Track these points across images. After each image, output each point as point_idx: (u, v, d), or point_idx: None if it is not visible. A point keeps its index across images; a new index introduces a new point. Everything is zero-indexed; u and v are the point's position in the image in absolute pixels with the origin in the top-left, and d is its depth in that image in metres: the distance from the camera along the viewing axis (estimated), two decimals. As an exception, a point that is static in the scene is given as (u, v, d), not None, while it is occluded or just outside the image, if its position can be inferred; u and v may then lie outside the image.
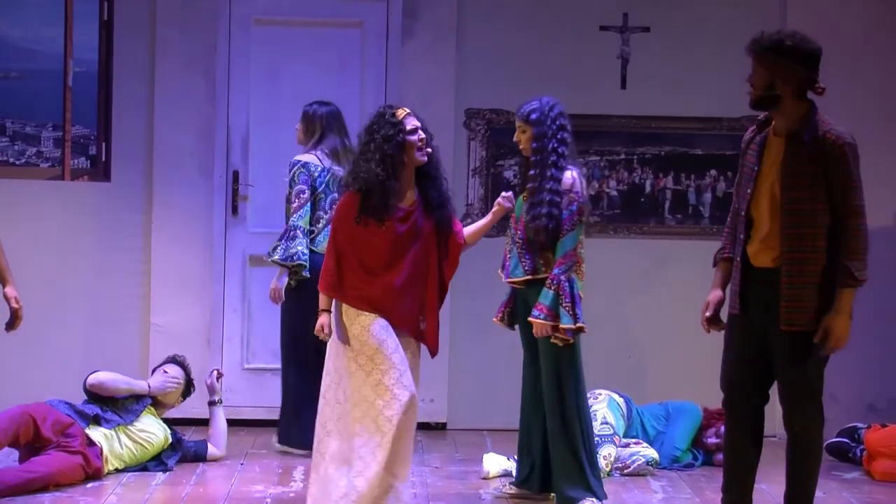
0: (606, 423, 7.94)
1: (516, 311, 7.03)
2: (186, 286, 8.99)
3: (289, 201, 8.03)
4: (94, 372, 7.69)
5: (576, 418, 6.87)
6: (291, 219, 7.97)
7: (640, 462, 7.84)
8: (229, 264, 9.02)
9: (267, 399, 8.95)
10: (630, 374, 8.91)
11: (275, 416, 8.50)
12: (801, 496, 6.02)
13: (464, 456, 8.26)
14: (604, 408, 8.02)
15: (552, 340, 6.78)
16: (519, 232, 6.88)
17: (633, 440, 8.04)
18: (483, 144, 9.09)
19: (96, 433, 7.44)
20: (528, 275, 6.85)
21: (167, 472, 7.58)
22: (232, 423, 8.87)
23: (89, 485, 7.25)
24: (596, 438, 7.84)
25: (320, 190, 8.07)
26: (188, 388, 8.02)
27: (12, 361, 8.72)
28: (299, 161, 8.08)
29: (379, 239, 6.33)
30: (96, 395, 7.61)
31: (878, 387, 9.07)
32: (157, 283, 8.93)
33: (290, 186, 8.03)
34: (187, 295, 8.97)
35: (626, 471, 7.81)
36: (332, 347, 6.43)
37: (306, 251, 7.93)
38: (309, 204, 8.00)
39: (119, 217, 8.95)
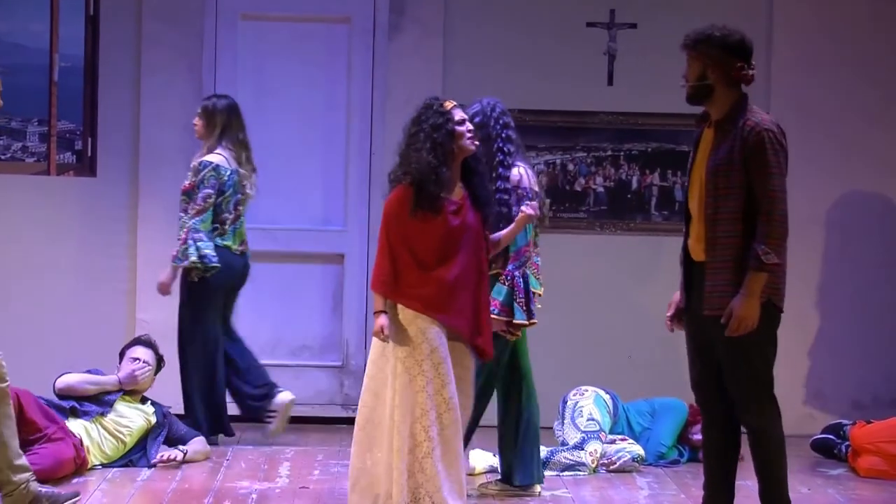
0: (592, 420, 7.94)
1: None
2: (174, 282, 8.97)
3: (188, 197, 8.05)
4: (62, 375, 7.67)
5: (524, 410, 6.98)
6: (192, 221, 8.01)
7: (625, 458, 7.84)
8: (215, 260, 8.99)
9: (253, 395, 8.96)
10: (616, 371, 8.90)
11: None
12: (772, 489, 6.02)
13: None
14: (590, 404, 8.02)
15: (504, 335, 6.79)
16: None
17: (619, 436, 8.05)
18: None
19: (76, 425, 7.43)
20: None
21: (152, 468, 7.56)
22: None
23: (74, 480, 7.23)
24: (582, 435, 7.86)
25: (228, 193, 8.10)
26: (159, 366, 7.95)
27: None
28: (210, 163, 8.08)
29: (433, 232, 6.27)
30: (67, 397, 7.59)
31: (862, 383, 9.09)
32: (143, 279, 8.91)
33: (198, 187, 8.04)
34: (173, 291, 8.95)
35: (611, 467, 7.81)
36: (377, 350, 6.36)
37: (215, 253, 8.03)
38: (212, 209, 8.06)
39: (105, 212, 8.93)
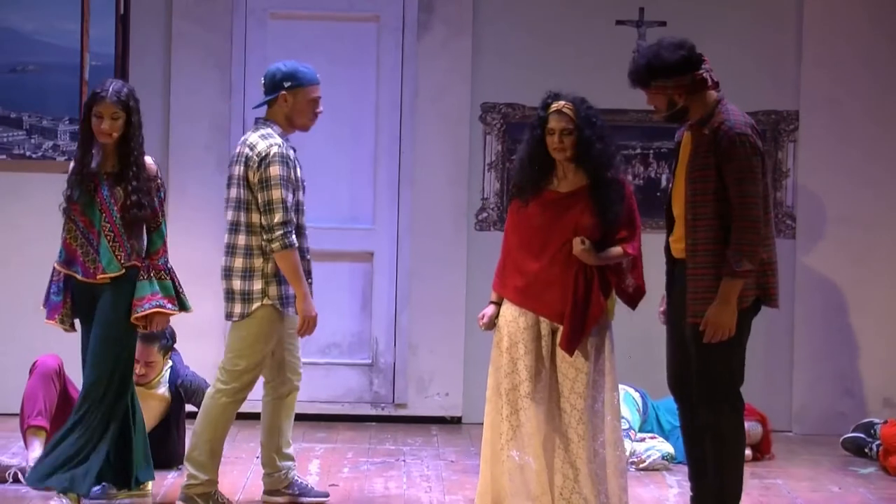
0: (622, 418, 7.92)
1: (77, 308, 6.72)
2: (201, 279, 8.98)
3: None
4: None
5: None
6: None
7: (655, 457, 7.83)
8: (245, 258, 9.02)
9: (282, 393, 8.97)
10: (646, 369, 8.89)
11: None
12: (720, 484, 6.04)
13: (479, 450, 8.24)
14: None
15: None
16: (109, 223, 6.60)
17: (649, 434, 8.04)
18: (499, 138, 9.08)
19: None
20: (124, 267, 6.60)
21: (181, 467, 7.57)
22: (246, 416, 8.87)
23: (104, 478, 7.25)
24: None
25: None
26: (168, 350, 7.67)
27: (25, 354, 8.72)
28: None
29: (525, 223, 6.35)
30: None
31: (893, 381, 9.05)
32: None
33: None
34: (202, 288, 8.96)
35: (641, 465, 7.81)
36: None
37: None
38: None
39: (135, 210, 8.96)
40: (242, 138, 6.75)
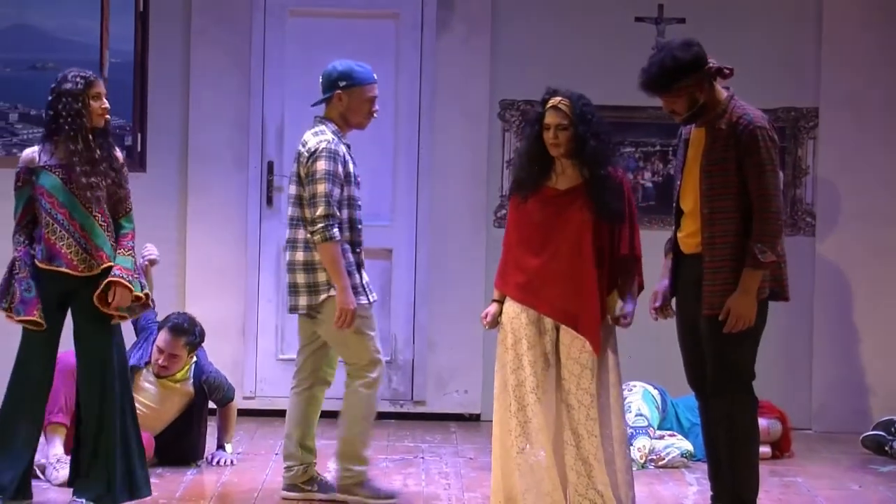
0: (641, 415, 7.93)
1: None
2: (221, 276, 9.02)
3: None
4: None
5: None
6: None
7: (674, 454, 7.83)
8: (264, 255, 9.04)
9: (301, 390, 8.98)
10: (669, 366, 8.87)
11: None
12: (738, 475, 6.06)
13: (498, 447, 8.25)
14: (638, 399, 8.01)
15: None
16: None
17: (668, 432, 8.03)
18: (517, 136, 9.08)
19: None
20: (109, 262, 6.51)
21: (199, 465, 7.58)
22: (266, 413, 8.91)
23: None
24: (630, 430, 7.84)
25: None
26: (196, 344, 7.58)
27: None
28: None
29: (526, 219, 6.35)
30: None
31: (914, 380, 9.04)
32: (192, 274, 8.96)
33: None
34: (222, 285, 9.00)
35: (660, 463, 7.80)
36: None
37: None
38: None
39: (154, 207, 8.96)
40: (312, 142, 6.82)
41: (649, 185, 9.10)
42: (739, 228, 5.94)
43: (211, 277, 9.00)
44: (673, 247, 6.23)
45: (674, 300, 6.28)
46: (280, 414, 8.86)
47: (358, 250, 6.81)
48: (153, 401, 7.47)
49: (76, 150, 6.45)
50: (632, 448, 7.74)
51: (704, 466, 7.80)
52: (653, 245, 9.06)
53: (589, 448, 6.24)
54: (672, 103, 6.02)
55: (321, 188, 6.62)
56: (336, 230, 6.64)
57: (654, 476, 7.59)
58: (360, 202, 6.84)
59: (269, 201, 9.03)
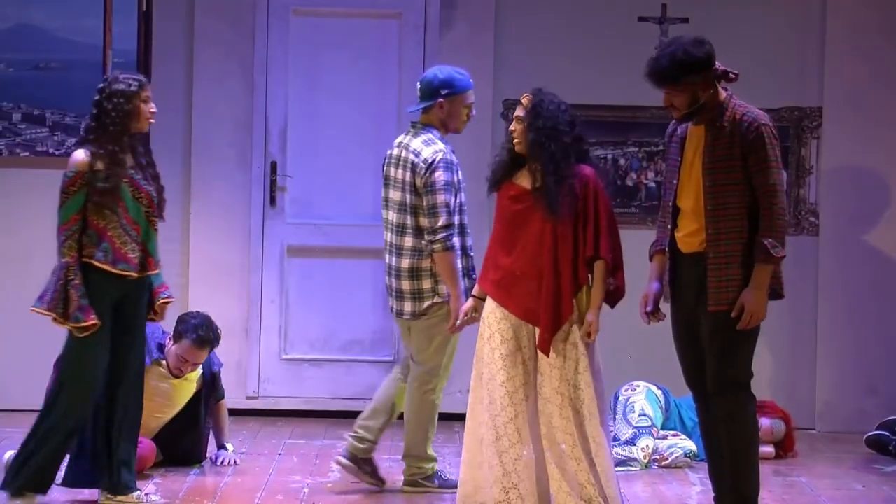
0: (644, 415, 7.92)
1: None
2: (224, 277, 9.02)
3: None
4: None
5: None
6: None
7: (678, 454, 7.82)
8: (267, 255, 9.03)
9: (304, 390, 8.99)
10: (665, 367, 8.87)
11: (313, 406, 8.51)
12: (741, 474, 6.05)
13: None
14: (641, 399, 8.01)
15: None
16: None
17: (672, 432, 8.02)
18: (521, 135, 9.06)
19: None
20: None
21: (203, 465, 7.58)
22: (269, 413, 8.91)
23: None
24: (633, 430, 7.84)
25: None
26: (218, 343, 7.56)
27: (50, 353, 8.75)
28: None
29: (499, 216, 6.41)
30: None
31: (918, 380, 9.03)
32: (195, 274, 8.96)
33: None
34: (225, 285, 9.00)
35: (664, 463, 7.79)
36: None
37: None
38: None
39: (157, 207, 8.97)
40: (400, 142, 7.02)
41: (652, 184, 9.09)
42: (744, 225, 5.96)
43: (214, 277, 8.99)
44: (669, 247, 6.20)
45: (668, 301, 6.27)
46: (284, 414, 8.89)
47: (471, 254, 7.02)
48: (163, 395, 7.46)
49: (125, 152, 6.46)
50: (635, 448, 7.76)
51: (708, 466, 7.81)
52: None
53: (564, 446, 6.22)
54: (674, 98, 6.03)
55: (441, 199, 6.86)
56: (455, 239, 6.90)
57: (657, 476, 7.58)
58: (465, 207, 7.06)
59: (273, 201, 9.03)
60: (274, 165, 9.04)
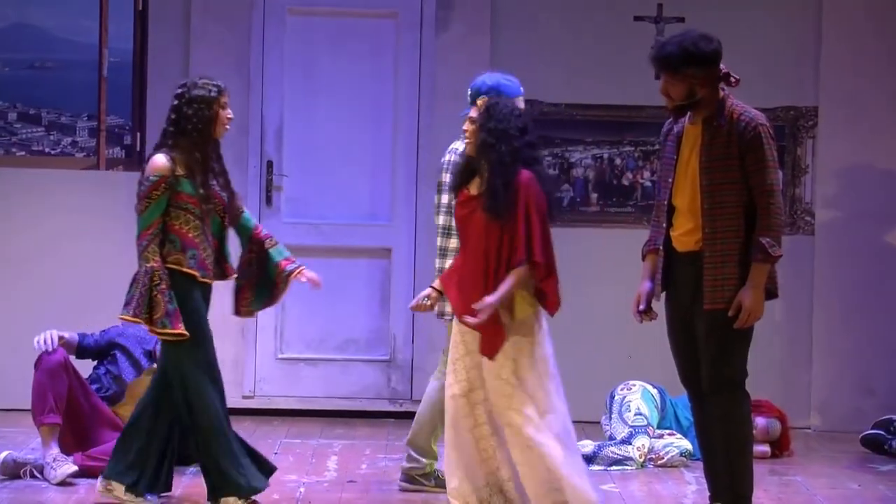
0: (640, 414, 7.93)
1: None
2: (220, 276, 9.01)
3: None
4: None
5: None
6: None
7: (673, 453, 7.83)
8: (263, 254, 9.02)
9: (300, 389, 8.99)
10: (661, 366, 8.87)
11: (309, 405, 8.50)
12: (735, 472, 6.06)
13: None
14: (637, 398, 8.01)
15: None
16: None
17: (667, 431, 8.03)
18: (517, 135, 9.07)
19: None
20: None
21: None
22: (265, 412, 8.91)
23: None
24: (629, 429, 7.85)
25: None
26: None
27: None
28: None
29: (455, 217, 6.43)
30: None
31: (913, 379, 9.04)
32: (191, 273, 8.94)
33: None
34: (221, 284, 8.97)
35: (659, 462, 7.80)
36: None
37: None
38: None
39: (153, 207, 8.97)
40: (453, 147, 6.97)
41: (648, 184, 9.09)
42: (741, 224, 5.98)
43: (210, 277, 8.98)
44: (664, 245, 6.21)
45: (661, 300, 6.27)
46: (279, 413, 8.89)
47: None
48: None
49: (206, 159, 6.42)
50: (631, 447, 7.76)
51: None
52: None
53: (519, 441, 6.15)
54: (671, 86, 6.03)
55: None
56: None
57: (653, 475, 7.59)
58: None
59: (269, 201, 9.03)
60: (270, 165, 9.04)
